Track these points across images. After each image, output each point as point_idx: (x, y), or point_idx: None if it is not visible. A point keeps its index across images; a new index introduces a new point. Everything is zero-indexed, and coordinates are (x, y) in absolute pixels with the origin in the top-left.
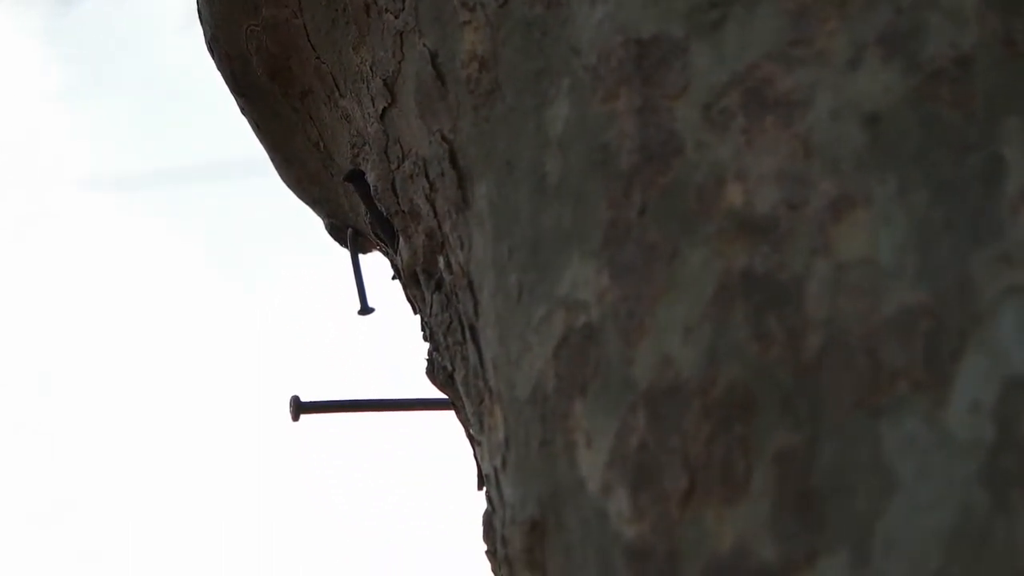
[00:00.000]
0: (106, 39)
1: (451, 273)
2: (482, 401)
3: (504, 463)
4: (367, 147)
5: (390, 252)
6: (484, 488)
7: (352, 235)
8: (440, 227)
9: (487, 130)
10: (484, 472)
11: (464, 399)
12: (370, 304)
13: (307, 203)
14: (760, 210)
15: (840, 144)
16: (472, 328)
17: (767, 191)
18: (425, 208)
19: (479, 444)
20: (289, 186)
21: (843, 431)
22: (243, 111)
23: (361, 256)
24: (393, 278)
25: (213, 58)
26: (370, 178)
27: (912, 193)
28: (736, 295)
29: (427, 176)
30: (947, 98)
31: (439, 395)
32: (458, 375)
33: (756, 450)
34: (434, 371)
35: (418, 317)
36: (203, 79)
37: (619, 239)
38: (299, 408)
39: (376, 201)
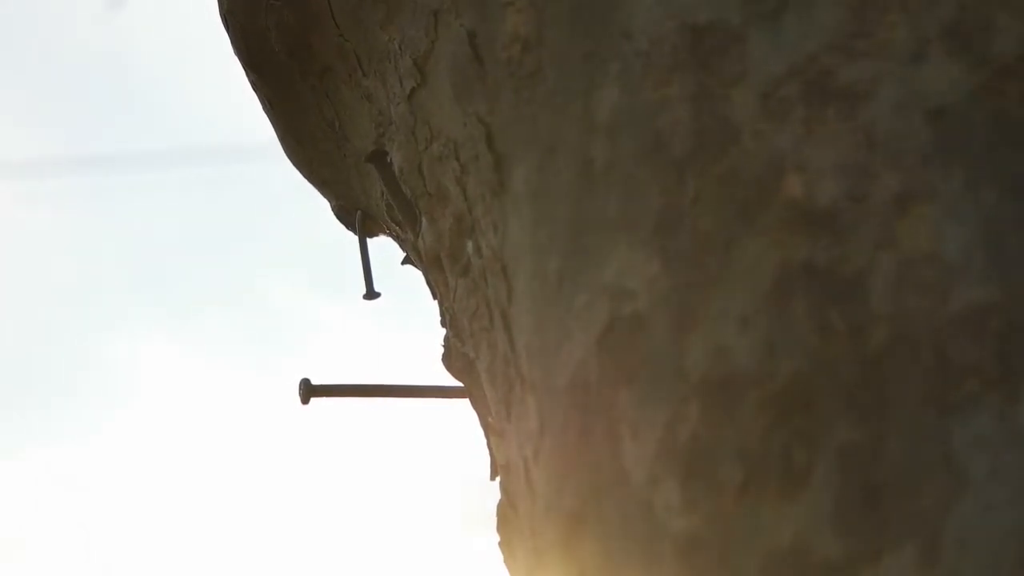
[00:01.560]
0: (6, 24)
1: (481, 258)
2: (511, 389)
3: (537, 452)
4: (393, 127)
5: (407, 236)
6: (498, 478)
7: (361, 218)
8: (470, 211)
9: (528, 113)
10: (503, 462)
11: (487, 387)
12: (376, 289)
13: (315, 184)
14: (821, 202)
15: (904, 137)
16: (504, 314)
17: (828, 183)
18: (455, 191)
19: (501, 434)
20: (297, 166)
21: (911, 427)
22: (255, 87)
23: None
24: (403, 263)
25: (227, 32)
26: (395, 159)
27: (979, 189)
28: (796, 287)
29: (458, 158)
30: (1015, 95)
31: (450, 383)
32: (482, 362)
33: (817, 444)
34: (451, 358)
35: (433, 305)
36: (108, 68)
37: (671, 227)
38: (309, 391)
39: (401, 183)
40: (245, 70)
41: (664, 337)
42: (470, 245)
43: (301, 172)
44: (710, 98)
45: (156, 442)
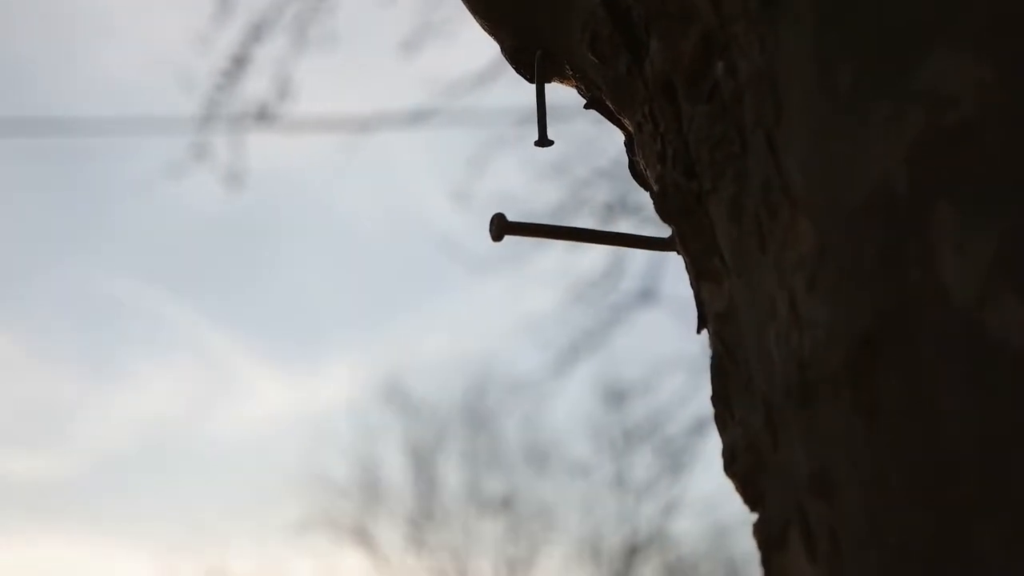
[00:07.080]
0: None
1: (734, 78)
2: (774, 216)
3: (814, 279)
4: None
5: (613, 71)
6: (706, 330)
7: (541, 58)
8: (723, 27)
9: None
10: (721, 309)
11: (725, 223)
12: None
13: (488, 23)
14: None
15: None
16: (768, 136)
17: None
18: (705, 6)
19: (739, 273)
20: (473, 2)
21: None
22: None
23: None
24: (587, 107)
25: None
26: None
27: None
28: None
29: None
30: None
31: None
32: (721, 195)
33: None
34: (666, 198)
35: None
36: None
37: (1006, 30)
38: (503, 228)
39: (631, 4)
40: None
41: (998, 146)
42: (720, 66)
43: (474, 9)
44: None
45: None
